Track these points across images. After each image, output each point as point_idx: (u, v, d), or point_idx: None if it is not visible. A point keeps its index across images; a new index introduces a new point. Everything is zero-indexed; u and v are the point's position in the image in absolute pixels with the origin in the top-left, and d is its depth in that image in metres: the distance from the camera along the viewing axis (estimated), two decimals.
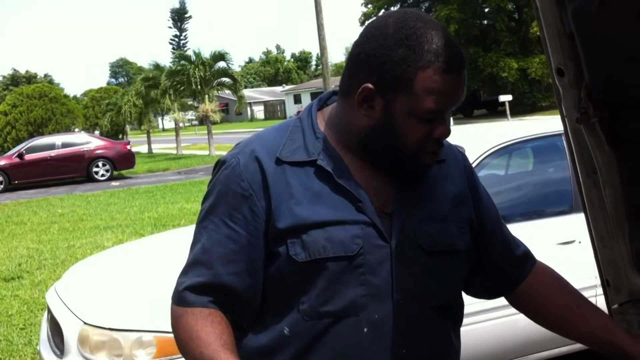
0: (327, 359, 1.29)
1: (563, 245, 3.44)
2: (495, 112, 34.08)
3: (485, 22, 34.20)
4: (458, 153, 1.47)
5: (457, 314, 1.42)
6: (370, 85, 1.26)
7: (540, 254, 3.28)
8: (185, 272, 1.35)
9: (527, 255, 1.53)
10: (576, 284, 3.37)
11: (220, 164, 1.37)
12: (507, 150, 3.90)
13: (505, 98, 15.27)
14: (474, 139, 4.01)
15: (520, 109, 29.91)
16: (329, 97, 1.44)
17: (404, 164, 1.31)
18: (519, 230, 3.35)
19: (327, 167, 1.30)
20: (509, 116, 15.79)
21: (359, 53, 1.28)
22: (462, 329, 1.45)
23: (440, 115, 1.26)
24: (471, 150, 3.42)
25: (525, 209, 3.80)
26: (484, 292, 1.56)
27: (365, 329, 1.28)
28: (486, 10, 33.68)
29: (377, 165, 1.33)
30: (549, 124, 4.13)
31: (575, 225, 3.52)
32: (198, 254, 1.34)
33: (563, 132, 3.79)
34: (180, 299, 1.32)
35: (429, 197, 1.37)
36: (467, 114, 35.74)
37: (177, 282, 1.35)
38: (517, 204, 3.89)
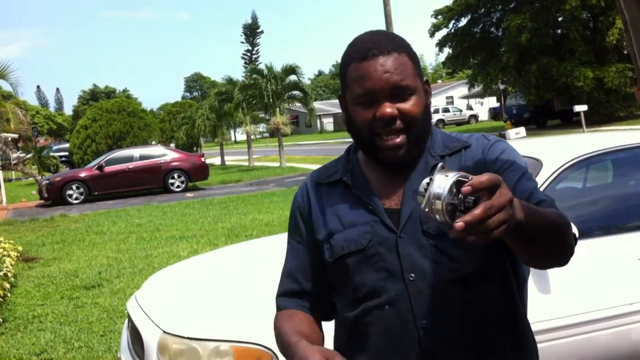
0: (366, 338, 1.54)
1: None
2: (569, 122, 33.16)
3: (559, 31, 33.34)
4: (485, 141, 1.57)
5: (491, 281, 1.50)
6: (340, 94, 1.60)
7: (621, 269, 3.20)
8: (280, 282, 1.74)
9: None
10: None
11: None
12: (586, 164, 3.79)
13: (581, 108, 14.85)
14: (551, 151, 3.92)
15: (596, 119, 28.97)
16: None
17: (370, 150, 1.53)
18: (598, 245, 3.29)
19: (349, 182, 1.60)
20: (584, 126, 15.35)
21: None
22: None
23: (374, 97, 1.46)
24: (548, 164, 3.35)
25: (605, 222, 3.68)
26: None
27: (386, 307, 1.50)
28: (560, 19, 32.84)
29: (370, 159, 1.57)
30: (629, 135, 4.00)
31: None
32: (284, 267, 1.74)
33: None
34: (276, 305, 1.72)
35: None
36: (540, 125, 34.90)
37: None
38: (596, 218, 3.78)
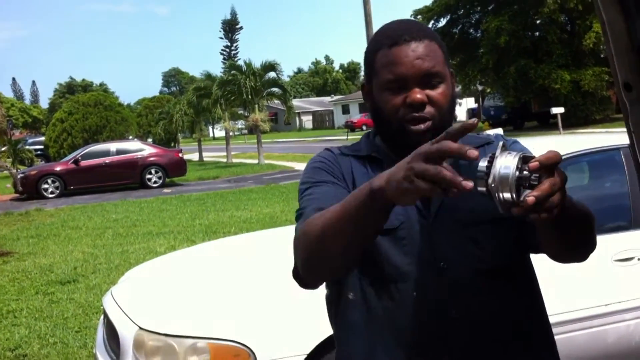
0: (384, 319, 1.47)
1: (621, 262, 3.36)
2: (546, 124, 33.49)
3: (537, 33, 33.66)
4: (501, 139, 1.56)
5: (519, 276, 1.52)
6: (364, 82, 1.58)
7: (596, 271, 3.24)
8: (303, 217, 1.43)
9: None
10: (636, 302, 3.32)
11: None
12: (562, 165, 3.82)
13: (557, 110, 15.05)
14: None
15: (573, 121, 29.30)
16: None
17: (398, 136, 1.48)
18: None
19: (380, 157, 1.54)
20: (560, 129, 15.54)
21: None
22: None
23: (404, 83, 1.44)
24: None
25: None
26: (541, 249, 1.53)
27: (414, 293, 1.44)
28: (538, 22, 33.16)
29: (394, 151, 1.50)
30: (606, 138, 4.05)
31: (635, 241, 3.46)
32: (309, 206, 1.45)
33: (621, 147, 3.69)
34: (304, 223, 1.36)
35: (467, 175, 1.46)
36: (518, 126, 35.22)
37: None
38: None
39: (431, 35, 1.48)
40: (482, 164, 1.15)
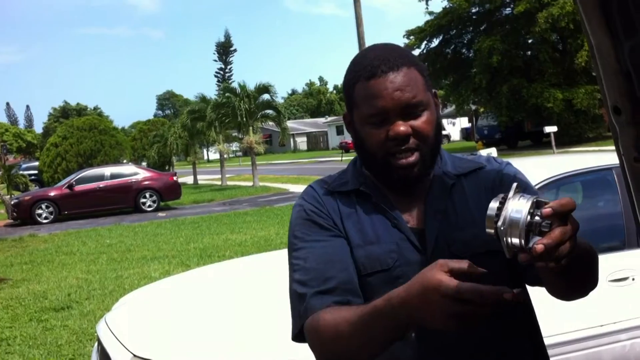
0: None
1: (615, 282, 3.35)
2: (540, 143, 33.59)
3: (529, 53, 33.89)
4: (496, 164, 1.55)
5: (514, 308, 1.45)
6: (345, 112, 1.52)
7: (591, 292, 3.23)
8: (300, 287, 1.45)
9: None
10: (630, 322, 3.31)
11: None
12: (555, 185, 3.84)
13: (551, 129, 15.07)
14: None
15: (566, 140, 29.42)
16: None
17: (383, 170, 1.45)
18: None
19: (367, 191, 1.49)
20: (554, 147, 15.57)
21: None
22: None
23: (386, 116, 1.39)
24: None
25: None
26: (527, 280, 1.51)
27: (413, 334, 1.36)
28: (530, 41, 33.41)
29: (380, 180, 1.49)
30: (598, 158, 4.06)
31: (629, 261, 3.45)
32: (303, 270, 1.46)
33: (613, 166, 3.70)
34: (309, 308, 1.39)
35: (461, 206, 1.46)
36: (511, 145, 35.32)
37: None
38: None
39: (408, 60, 1.43)
40: (494, 204, 1.12)
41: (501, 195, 1.12)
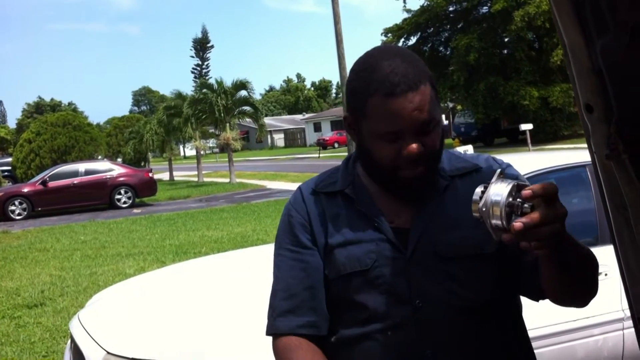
0: None
1: None
2: (516, 140, 33.89)
3: (506, 51, 34.17)
4: (495, 165, 1.55)
5: (499, 313, 1.48)
6: (347, 114, 1.47)
7: None
8: (274, 300, 1.55)
9: None
10: (603, 317, 3.35)
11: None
12: (531, 182, 3.86)
13: (526, 127, 15.24)
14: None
15: (541, 137, 29.72)
16: None
17: (389, 180, 1.45)
18: None
19: (352, 195, 1.49)
20: (530, 145, 15.73)
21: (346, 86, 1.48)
22: None
23: (401, 135, 1.37)
24: None
25: None
26: (529, 292, 1.52)
27: (389, 332, 1.41)
28: (506, 39, 33.67)
29: (380, 185, 1.48)
30: (572, 155, 4.10)
31: (602, 257, 3.48)
32: (278, 282, 1.55)
33: (587, 164, 3.74)
34: (273, 327, 1.52)
35: (453, 208, 1.47)
36: (488, 143, 35.59)
37: None
38: None
39: (424, 75, 1.40)
40: (478, 189, 1.19)
41: (484, 184, 1.18)
